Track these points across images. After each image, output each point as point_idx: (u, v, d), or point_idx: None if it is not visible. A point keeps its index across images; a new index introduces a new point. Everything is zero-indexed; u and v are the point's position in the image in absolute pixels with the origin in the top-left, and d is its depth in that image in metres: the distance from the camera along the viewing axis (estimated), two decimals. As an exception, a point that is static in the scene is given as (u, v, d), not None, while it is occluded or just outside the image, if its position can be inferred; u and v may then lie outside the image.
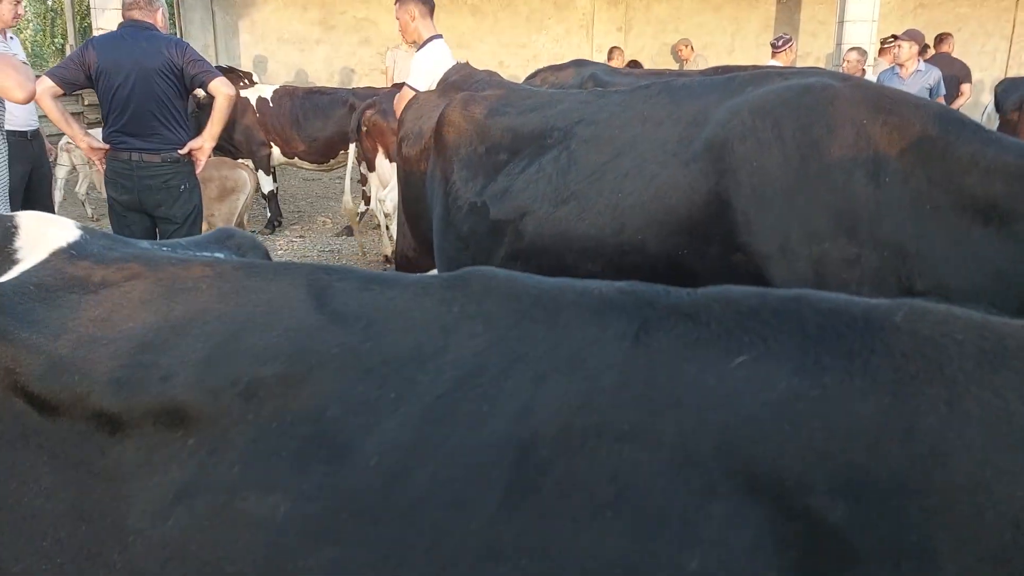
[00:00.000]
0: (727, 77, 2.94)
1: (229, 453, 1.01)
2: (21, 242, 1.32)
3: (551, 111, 3.16)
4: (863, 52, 8.33)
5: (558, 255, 2.82)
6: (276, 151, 7.98)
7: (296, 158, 8.04)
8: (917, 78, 7.27)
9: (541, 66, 5.95)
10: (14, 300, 1.17)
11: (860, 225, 2.41)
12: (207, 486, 1.00)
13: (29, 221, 1.37)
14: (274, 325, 1.09)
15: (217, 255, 1.38)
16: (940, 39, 8.80)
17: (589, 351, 0.98)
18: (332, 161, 8.11)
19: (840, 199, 2.42)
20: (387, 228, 6.20)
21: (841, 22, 9.47)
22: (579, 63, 5.58)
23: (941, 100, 7.30)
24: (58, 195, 7.20)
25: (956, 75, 8.24)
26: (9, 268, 1.28)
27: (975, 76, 8.84)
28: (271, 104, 7.89)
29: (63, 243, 1.30)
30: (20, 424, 1.08)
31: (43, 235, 1.33)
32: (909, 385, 0.84)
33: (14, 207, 4.04)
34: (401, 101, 5.20)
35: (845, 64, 8.04)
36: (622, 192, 2.74)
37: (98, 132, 4.41)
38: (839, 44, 9.43)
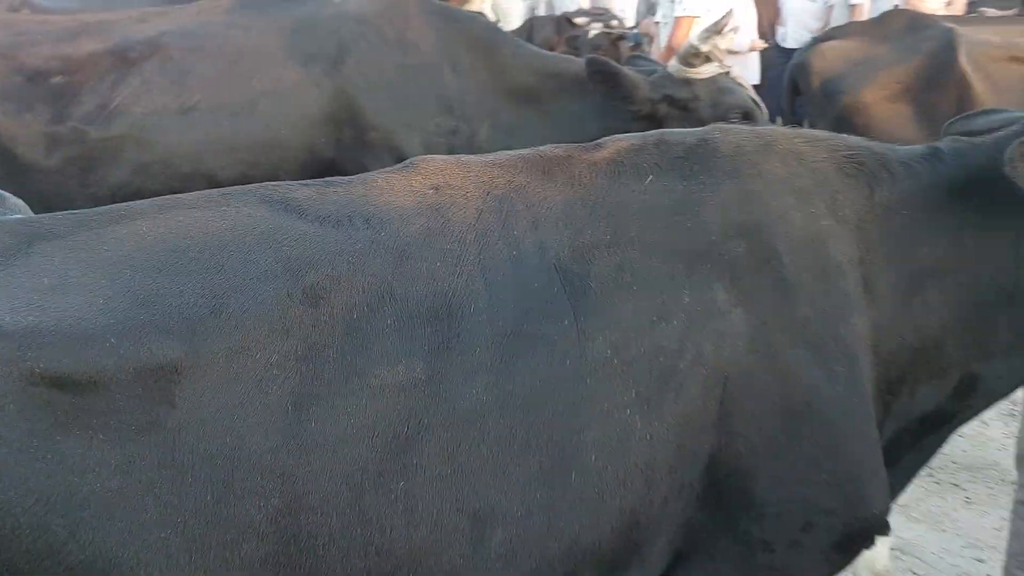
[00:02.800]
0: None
1: (327, 350, 1.08)
2: None
3: (107, 31, 3.16)
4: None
5: (198, 158, 2.98)
6: None
7: None
8: None
9: None
10: None
11: (452, 104, 3.21)
12: (326, 382, 1.06)
13: None
14: (273, 242, 1.13)
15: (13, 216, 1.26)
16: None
17: (547, 201, 1.28)
18: None
19: (437, 85, 3.18)
20: None
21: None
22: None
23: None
24: None
25: None
26: None
27: None
28: None
29: None
30: (52, 413, 0.96)
31: None
32: (730, 176, 1.35)
33: None
34: None
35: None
36: (254, 93, 3.03)
37: None
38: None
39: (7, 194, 1.40)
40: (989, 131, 1.44)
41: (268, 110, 3.02)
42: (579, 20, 9.42)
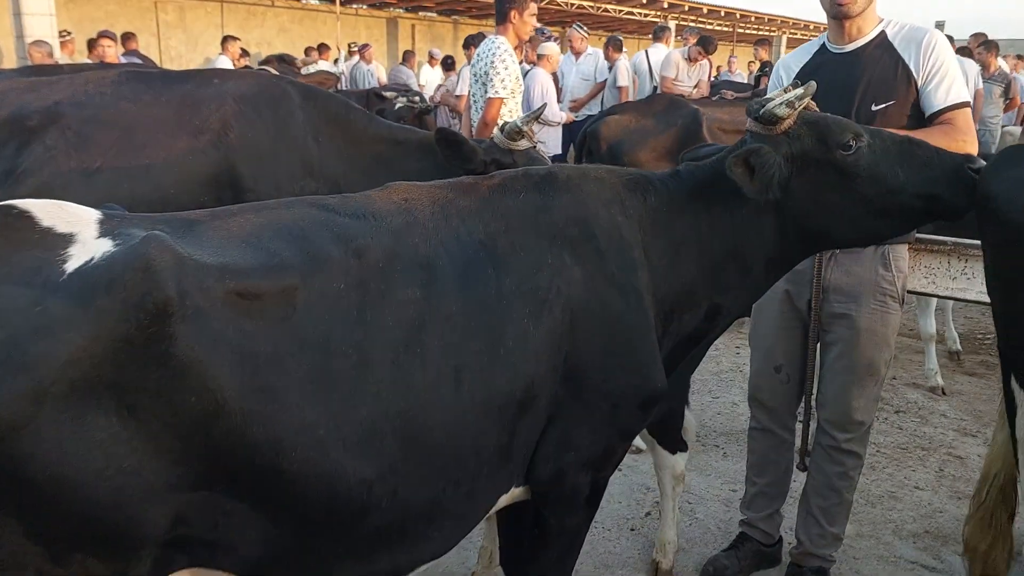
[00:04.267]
0: (172, 73, 4.01)
1: (371, 282, 1.70)
2: (49, 222, 1.51)
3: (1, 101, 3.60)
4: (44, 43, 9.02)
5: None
6: None
7: None
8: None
9: None
10: (182, 247, 1.51)
11: (314, 169, 3.90)
12: (375, 297, 1.68)
13: (32, 205, 1.55)
14: (328, 225, 1.75)
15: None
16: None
17: (468, 207, 1.95)
18: None
19: (302, 154, 3.85)
20: None
21: (18, 15, 9.79)
22: None
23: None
24: None
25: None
26: (68, 243, 1.48)
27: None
28: None
29: (97, 214, 1.59)
30: (238, 309, 1.51)
31: (60, 213, 1.55)
32: (566, 191, 2.13)
33: None
34: None
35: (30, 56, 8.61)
36: (149, 159, 3.56)
37: None
38: (19, 36, 9.77)
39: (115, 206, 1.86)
40: (707, 157, 2.30)
41: (161, 174, 3.54)
42: (387, 94, 10.36)
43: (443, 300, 1.78)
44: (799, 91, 2.10)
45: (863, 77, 2.79)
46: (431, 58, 14.57)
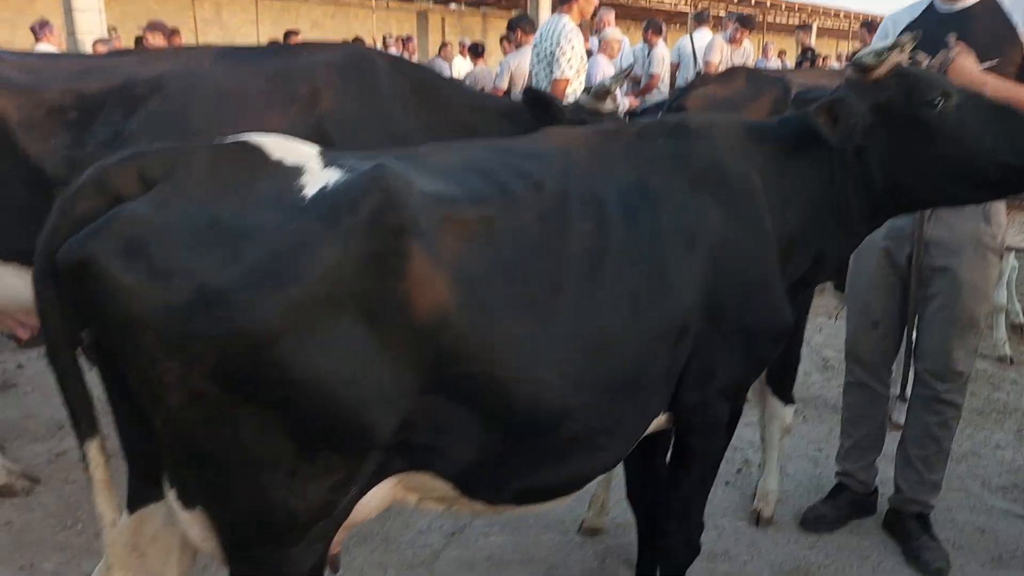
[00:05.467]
0: (267, 48, 4.10)
1: (552, 212, 1.83)
2: (279, 155, 1.66)
3: (113, 72, 3.72)
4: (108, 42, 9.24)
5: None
6: None
7: None
8: None
9: None
10: (401, 174, 1.64)
11: (404, 139, 3.98)
12: (557, 228, 1.83)
13: (262, 140, 1.70)
14: (506, 163, 1.90)
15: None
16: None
17: (616, 151, 2.07)
18: None
19: (392, 122, 3.93)
20: None
21: (69, 11, 10.00)
22: None
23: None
24: None
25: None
26: (299, 173, 1.63)
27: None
28: None
29: (316, 148, 1.74)
30: (452, 234, 1.66)
31: (286, 146, 1.70)
32: (699, 138, 2.20)
33: None
34: None
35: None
36: (243, 127, 3.63)
37: None
38: (71, 33, 9.98)
39: None
40: (814, 100, 2.22)
41: None
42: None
43: (612, 233, 1.89)
44: (888, 42, 2.13)
45: (969, 36, 2.82)
46: (462, 47, 14.68)
